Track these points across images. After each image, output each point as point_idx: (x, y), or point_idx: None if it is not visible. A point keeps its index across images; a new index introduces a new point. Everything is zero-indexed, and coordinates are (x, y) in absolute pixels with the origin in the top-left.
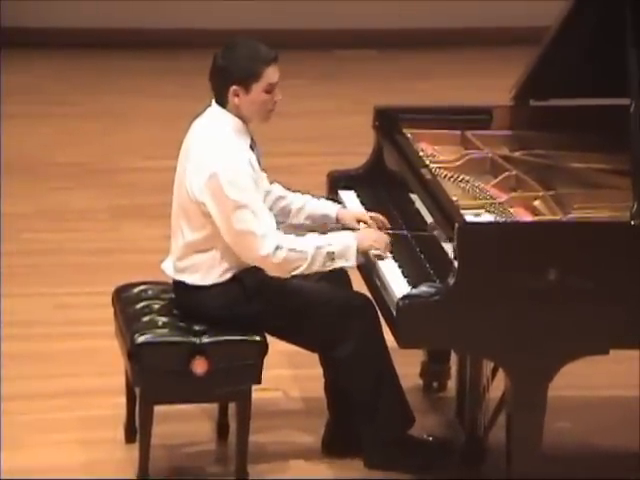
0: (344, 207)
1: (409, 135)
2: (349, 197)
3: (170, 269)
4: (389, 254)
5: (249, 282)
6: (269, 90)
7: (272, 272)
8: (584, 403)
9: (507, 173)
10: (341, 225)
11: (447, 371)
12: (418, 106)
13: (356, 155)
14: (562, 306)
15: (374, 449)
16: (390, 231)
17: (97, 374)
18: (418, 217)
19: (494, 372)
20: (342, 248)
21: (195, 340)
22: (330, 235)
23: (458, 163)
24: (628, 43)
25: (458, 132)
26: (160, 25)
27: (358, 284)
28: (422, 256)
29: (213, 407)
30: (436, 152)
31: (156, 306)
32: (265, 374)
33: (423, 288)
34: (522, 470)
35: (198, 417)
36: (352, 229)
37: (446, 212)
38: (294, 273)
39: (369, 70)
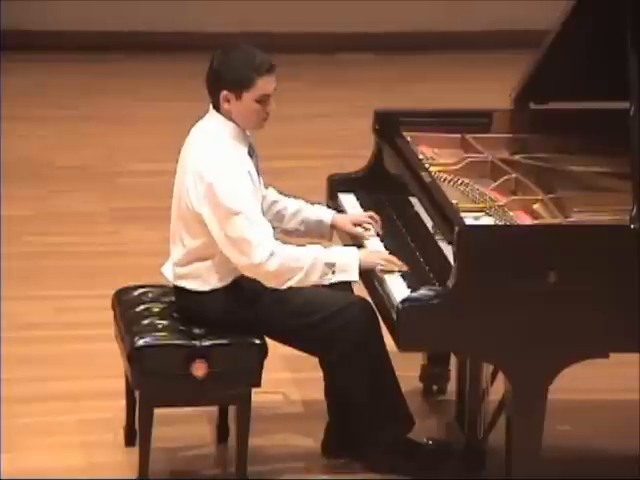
0: (339, 212)
1: (409, 138)
2: (349, 200)
3: (170, 274)
4: (397, 272)
5: (248, 287)
6: (261, 100)
7: (268, 282)
8: (584, 406)
9: (507, 176)
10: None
11: (447, 374)
12: (418, 109)
13: (356, 158)
14: (562, 309)
15: (374, 452)
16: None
17: (97, 377)
18: (417, 220)
19: (494, 375)
20: (344, 261)
21: (195, 343)
22: (333, 247)
23: (458, 166)
24: (628, 46)
25: (458, 135)
26: (160, 28)
27: (358, 287)
28: (421, 259)
29: (213, 410)
30: (436, 155)
31: (156, 309)
32: (265, 377)
33: (423, 291)
34: (522, 473)
35: (198, 420)
36: (350, 234)
37: (446, 215)
38: (290, 283)
39: (369, 73)
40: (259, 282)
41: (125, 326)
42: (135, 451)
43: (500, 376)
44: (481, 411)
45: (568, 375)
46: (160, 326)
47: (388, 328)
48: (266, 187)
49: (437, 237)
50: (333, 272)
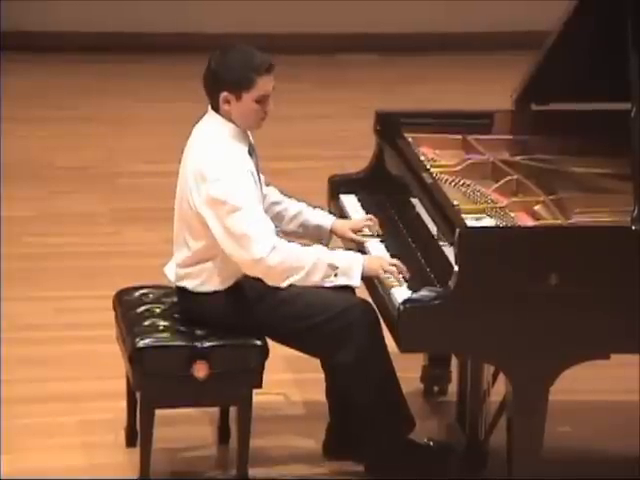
0: (340, 217)
1: (410, 139)
2: (350, 201)
3: (172, 275)
4: (403, 282)
5: (250, 289)
6: (260, 100)
7: (268, 279)
8: (585, 408)
9: (508, 177)
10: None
11: (448, 375)
12: (419, 110)
13: (357, 159)
14: (563, 310)
15: (375, 453)
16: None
17: (98, 378)
18: (419, 221)
19: (495, 376)
20: (347, 265)
21: (196, 344)
22: (338, 250)
23: (459, 167)
24: (629, 48)
25: (459, 136)
26: (160, 29)
27: (359, 288)
28: (422, 260)
29: (214, 411)
30: (437, 156)
31: (157, 310)
32: (266, 378)
33: (424, 292)
34: (523, 474)
35: (199, 421)
36: (350, 239)
37: (447, 216)
38: (291, 280)
39: (369, 74)
40: (261, 284)
41: (126, 327)
42: (136, 452)
43: (501, 377)
44: (482, 412)
45: (569, 376)
46: (161, 327)
47: (389, 329)
48: (267, 185)
49: (440, 243)
50: (335, 274)
